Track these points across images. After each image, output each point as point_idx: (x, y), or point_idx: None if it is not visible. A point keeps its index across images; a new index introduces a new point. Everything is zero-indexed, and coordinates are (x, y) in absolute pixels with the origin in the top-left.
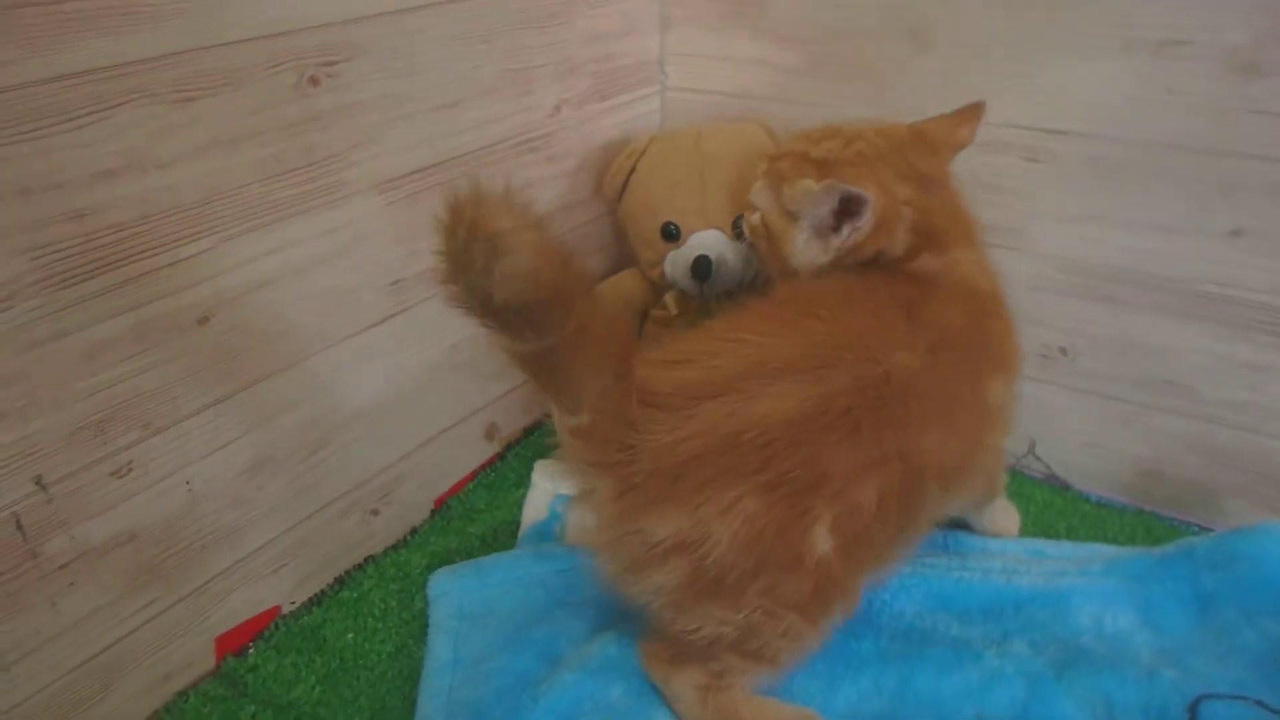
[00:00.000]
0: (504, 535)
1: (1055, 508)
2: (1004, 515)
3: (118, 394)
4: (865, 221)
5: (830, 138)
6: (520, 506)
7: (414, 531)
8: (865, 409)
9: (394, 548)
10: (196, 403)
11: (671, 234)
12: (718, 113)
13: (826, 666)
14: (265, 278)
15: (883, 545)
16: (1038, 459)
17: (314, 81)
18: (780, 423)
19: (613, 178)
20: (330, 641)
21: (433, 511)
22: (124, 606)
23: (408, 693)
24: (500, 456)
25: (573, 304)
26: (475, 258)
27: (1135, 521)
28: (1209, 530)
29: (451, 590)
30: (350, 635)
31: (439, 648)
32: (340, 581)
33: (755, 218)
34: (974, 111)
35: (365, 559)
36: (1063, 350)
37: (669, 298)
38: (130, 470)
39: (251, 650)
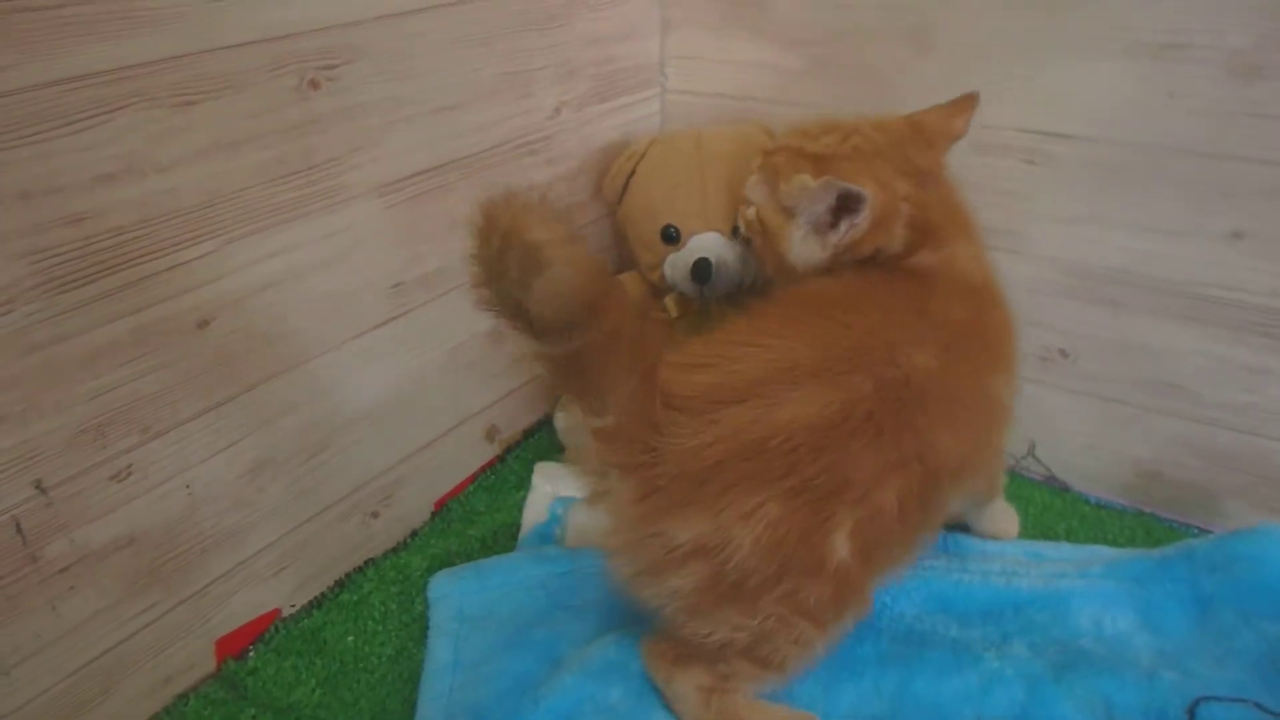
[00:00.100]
0: (504, 538)
1: (1055, 510)
2: (1003, 517)
3: (118, 398)
4: (863, 219)
5: (827, 132)
6: (520, 509)
7: (414, 534)
8: (886, 413)
9: (394, 550)
10: (196, 406)
11: (671, 237)
12: (718, 115)
13: (826, 669)
14: (266, 281)
15: (899, 548)
16: (1037, 461)
17: (314, 85)
18: (804, 428)
19: (612, 180)
20: (330, 644)
21: (433, 514)
22: (124, 610)
23: (408, 695)
24: (500, 459)
25: (605, 309)
26: (510, 267)
27: (1135, 523)
28: (1208, 532)
29: (452, 593)
30: (350, 638)
31: (439, 650)
32: (340, 584)
33: (750, 213)
34: (968, 102)
35: (365, 561)
36: (1062, 352)
37: (669, 300)
38: (130, 474)
39: (252, 653)
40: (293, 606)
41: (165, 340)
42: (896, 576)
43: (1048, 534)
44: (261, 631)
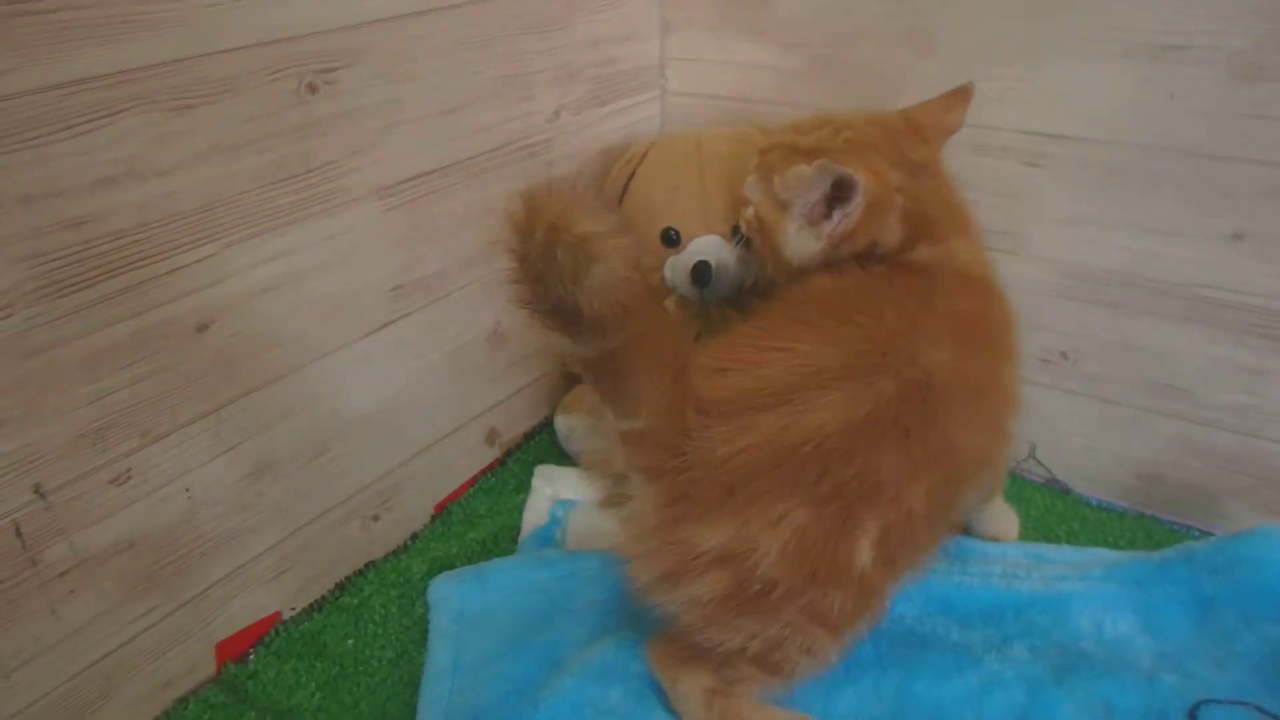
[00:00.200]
0: (504, 540)
1: (1055, 511)
2: (1003, 519)
3: (117, 402)
4: (855, 207)
5: (819, 127)
6: (520, 512)
7: (414, 537)
8: (911, 413)
9: (394, 553)
10: (196, 410)
11: (671, 239)
12: (718, 117)
13: (827, 672)
14: (265, 284)
15: (923, 550)
16: (1038, 463)
17: (312, 89)
18: (835, 433)
19: (612, 183)
20: (331, 647)
21: (433, 517)
22: (124, 613)
23: (408, 698)
24: (500, 462)
25: (640, 308)
26: (561, 262)
27: (1135, 525)
28: (1209, 534)
29: (451, 595)
30: (350, 641)
31: (439, 653)
32: (341, 587)
33: (749, 212)
34: (962, 94)
35: (366, 565)
36: (1063, 354)
37: (669, 303)
38: (130, 478)
39: (252, 656)
40: (293, 610)
41: (165, 344)
42: (913, 579)
43: (1048, 536)
44: (261, 635)
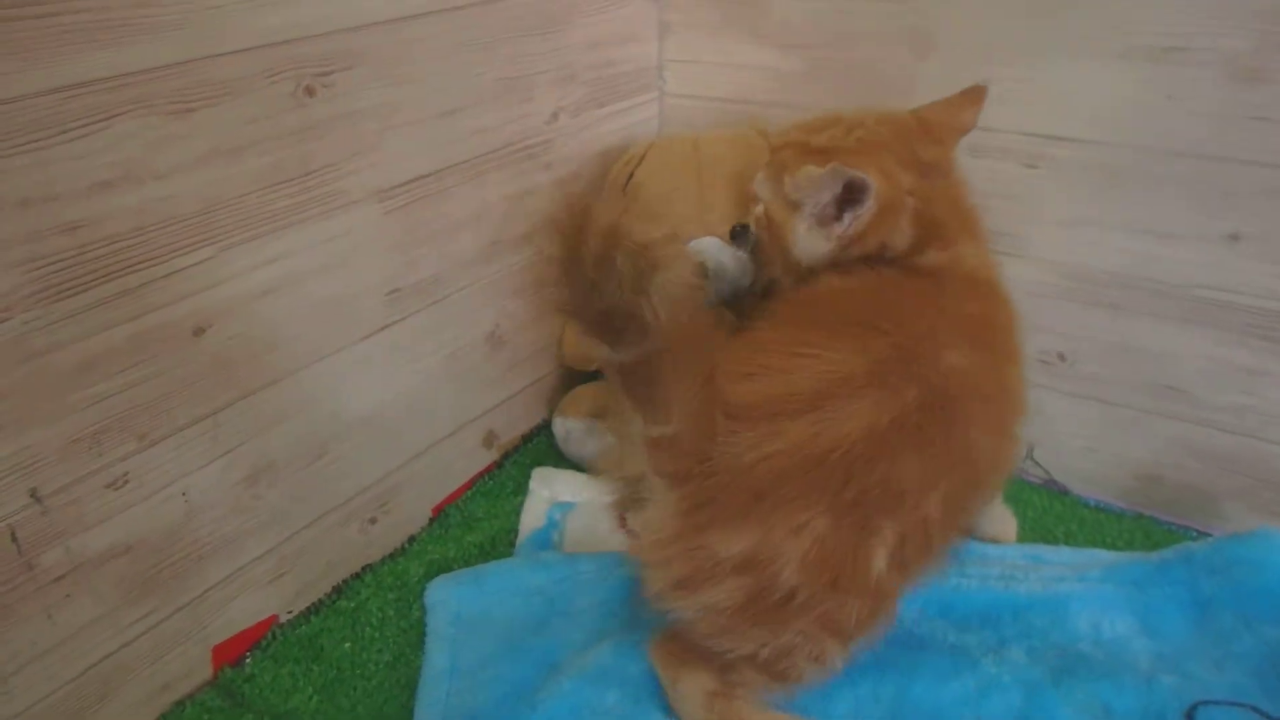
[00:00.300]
0: (502, 543)
1: (1054, 513)
2: (1002, 521)
3: (114, 406)
4: (867, 209)
5: (830, 126)
6: (518, 514)
7: (412, 540)
8: (932, 421)
9: (392, 556)
10: (193, 413)
11: None
12: (716, 119)
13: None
14: (263, 288)
15: (937, 556)
16: (1036, 464)
17: (309, 91)
18: (861, 440)
19: (610, 185)
20: (328, 651)
21: (431, 520)
22: (121, 617)
23: (405, 702)
24: (499, 464)
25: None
26: (621, 270)
27: (1134, 526)
28: (1207, 535)
29: (449, 598)
30: (348, 644)
31: (436, 656)
32: (338, 591)
33: (759, 209)
34: (976, 94)
35: (363, 568)
36: (1061, 356)
37: None
38: (126, 482)
39: (249, 660)
40: (290, 613)
41: (162, 347)
42: (923, 584)
43: (1046, 537)
44: (259, 638)
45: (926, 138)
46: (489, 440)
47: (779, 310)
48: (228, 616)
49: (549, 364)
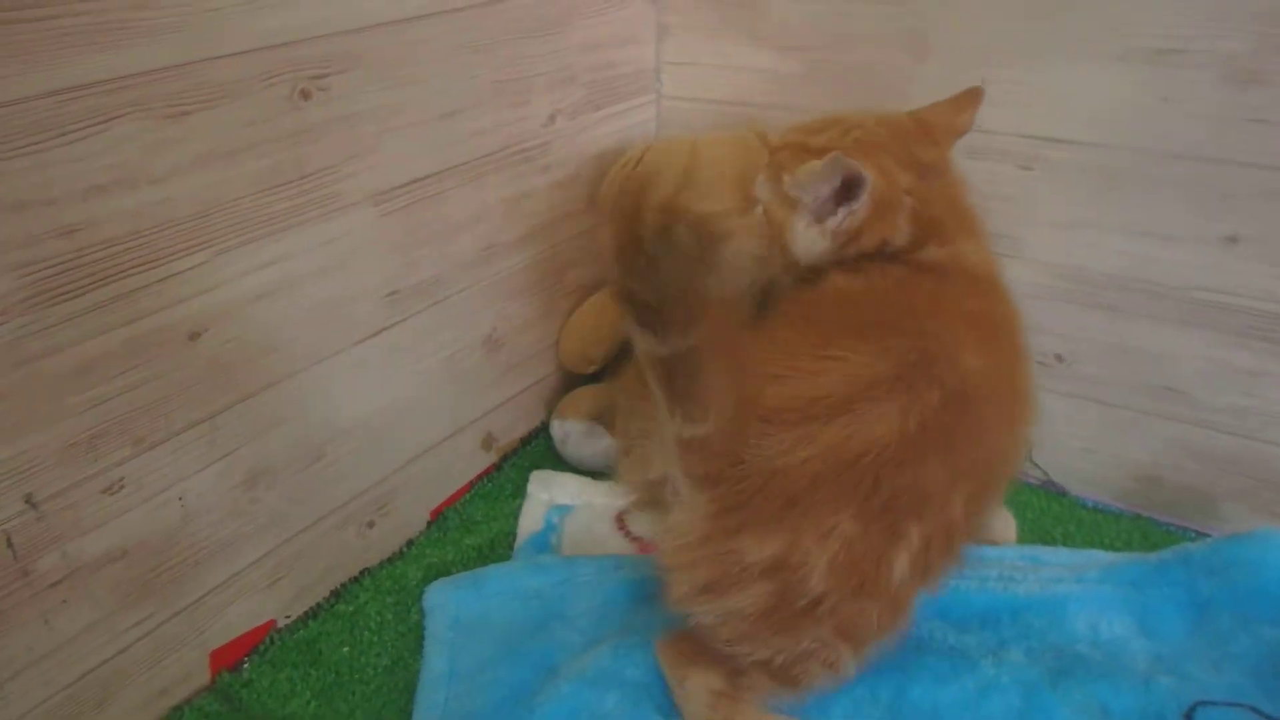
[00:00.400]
0: (501, 546)
1: (1052, 514)
2: (1000, 522)
3: (110, 410)
4: (862, 205)
5: (829, 127)
6: (517, 517)
7: (410, 543)
8: (954, 423)
9: (390, 560)
10: (190, 417)
11: None
12: (714, 121)
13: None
14: (260, 291)
15: (953, 560)
16: (1035, 465)
17: (305, 94)
18: (891, 444)
19: (608, 187)
20: (326, 655)
21: (429, 523)
22: (118, 622)
23: (404, 706)
24: (497, 467)
25: (723, 304)
26: (684, 243)
27: (1132, 527)
28: (1206, 536)
29: (447, 601)
30: (346, 649)
31: (435, 659)
32: (336, 595)
33: (759, 210)
34: (972, 96)
35: (361, 571)
36: (1059, 357)
37: None
38: (123, 486)
39: (247, 665)
40: (288, 617)
41: (158, 351)
42: (942, 588)
43: (1045, 538)
44: (256, 643)
45: (924, 139)
46: (487, 443)
47: (791, 310)
48: (225, 621)
49: (548, 366)
